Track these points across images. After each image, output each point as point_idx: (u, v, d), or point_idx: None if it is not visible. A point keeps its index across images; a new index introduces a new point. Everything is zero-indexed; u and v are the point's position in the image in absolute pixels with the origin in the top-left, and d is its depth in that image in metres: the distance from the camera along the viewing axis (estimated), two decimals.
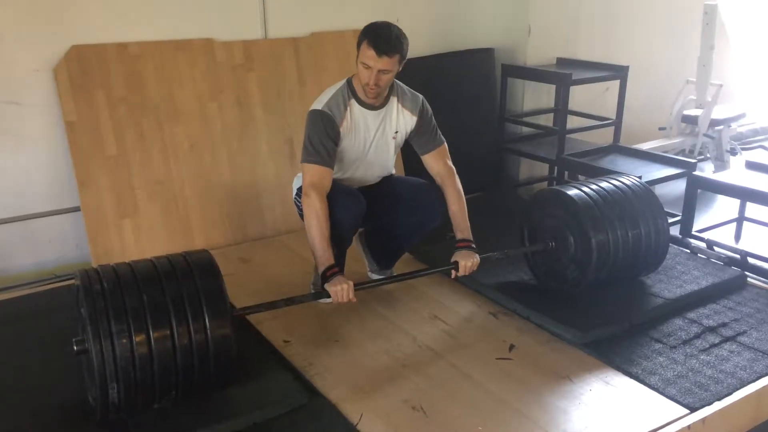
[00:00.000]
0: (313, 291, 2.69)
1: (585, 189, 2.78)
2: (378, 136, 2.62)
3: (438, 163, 2.67)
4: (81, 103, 3.14)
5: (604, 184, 2.84)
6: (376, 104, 2.56)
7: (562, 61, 4.41)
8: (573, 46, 4.50)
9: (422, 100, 2.67)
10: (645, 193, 2.84)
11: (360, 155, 2.63)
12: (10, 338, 2.55)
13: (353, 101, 2.54)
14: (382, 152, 2.67)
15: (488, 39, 4.33)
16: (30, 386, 2.23)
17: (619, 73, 4.20)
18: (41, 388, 2.22)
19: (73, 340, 1.95)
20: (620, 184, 2.85)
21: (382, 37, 2.40)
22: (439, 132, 2.70)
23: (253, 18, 3.58)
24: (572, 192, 2.76)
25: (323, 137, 2.48)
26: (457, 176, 2.68)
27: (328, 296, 2.38)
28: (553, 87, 4.41)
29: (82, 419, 2.03)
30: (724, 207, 4.21)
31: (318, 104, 2.53)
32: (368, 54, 2.39)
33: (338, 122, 2.51)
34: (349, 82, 2.55)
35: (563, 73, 4.00)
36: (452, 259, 2.60)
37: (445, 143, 2.70)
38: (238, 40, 3.53)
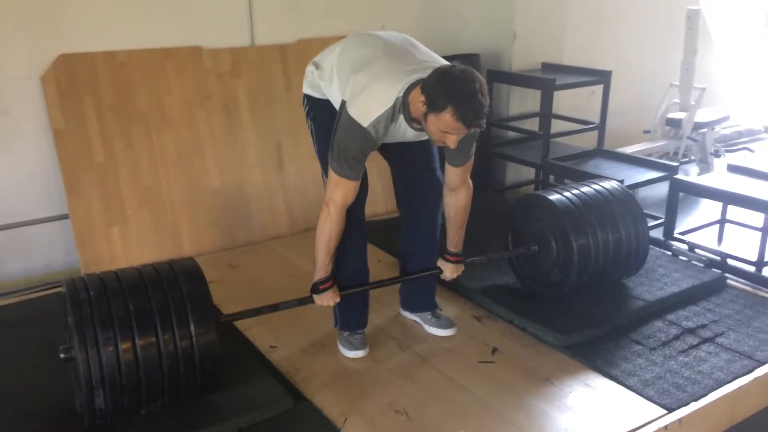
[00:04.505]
0: None
1: (566, 194, 2.83)
2: (417, 138, 2.38)
3: (459, 178, 2.43)
4: (69, 110, 3.16)
5: (585, 189, 2.89)
6: None
7: (547, 66, 4.46)
8: (558, 51, 4.55)
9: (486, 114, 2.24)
10: (625, 197, 2.89)
11: (391, 140, 2.37)
12: (1, 345, 2.56)
13: (401, 117, 2.20)
14: (417, 140, 2.42)
15: (474, 45, 4.38)
16: (19, 393, 2.26)
17: (602, 77, 4.25)
18: (30, 395, 2.24)
19: (60, 347, 1.98)
20: (601, 188, 2.90)
21: (473, 110, 2.02)
22: (474, 147, 2.41)
23: (240, 25, 3.62)
24: (553, 197, 2.80)
25: (359, 154, 2.21)
26: (471, 192, 2.50)
27: (313, 302, 2.41)
28: (539, 91, 4.46)
29: (71, 426, 2.06)
30: (708, 209, 4.27)
31: (363, 114, 2.14)
32: (454, 125, 2.04)
33: (379, 140, 2.22)
34: (405, 97, 2.15)
35: (547, 79, 4.05)
36: (438, 265, 2.62)
37: (473, 158, 2.43)
38: (225, 47, 3.57)
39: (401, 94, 2.15)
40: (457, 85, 2.02)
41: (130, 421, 2.05)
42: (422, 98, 2.07)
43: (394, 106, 2.14)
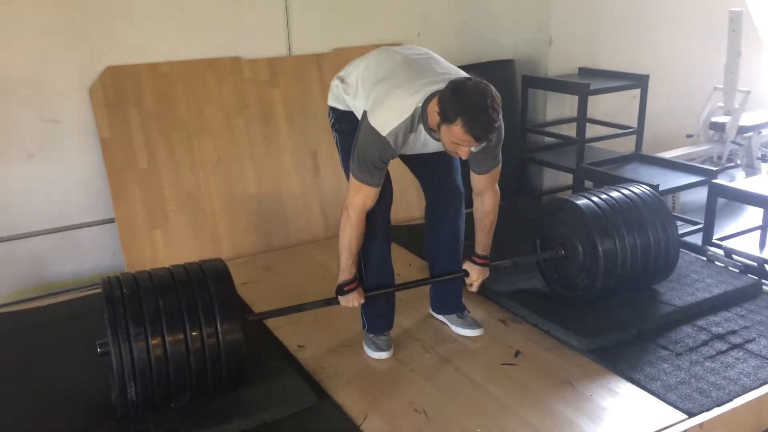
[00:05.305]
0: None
1: (594, 198, 2.84)
2: (439, 148, 2.39)
3: (482, 185, 2.49)
4: (115, 120, 3.34)
5: (613, 193, 2.88)
6: None
7: (584, 71, 4.45)
8: (595, 55, 4.53)
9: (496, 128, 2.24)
10: (654, 201, 2.88)
11: (412, 152, 2.45)
12: (50, 341, 2.74)
13: (421, 127, 2.26)
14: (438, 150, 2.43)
15: (509, 51, 4.40)
16: (62, 385, 2.41)
17: (639, 81, 4.21)
18: (72, 387, 2.38)
19: (97, 342, 2.11)
20: (629, 192, 2.89)
21: (482, 123, 2.07)
22: (499, 154, 2.45)
23: (277, 36, 3.74)
24: (580, 201, 2.81)
25: (378, 161, 2.27)
26: (497, 197, 2.56)
27: (338, 303, 2.49)
28: (576, 96, 4.45)
29: (107, 416, 2.18)
30: (753, 215, 4.17)
31: (383, 124, 2.22)
32: (463, 138, 2.10)
33: (398, 148, 2.28)
34: (424, 108, 2.21)
35: (581, 84, 4.04)
36: (464, 267, 2.66)
37: (500, 165, 2.48)
38: (263, 57, 3.69)
39: (420, 104, 2.21)
40: (468, 99, 2.08)
41: (160, 413, 2.16)
42: (437, 109, 2.14)
43: (412, 116, 2.21)
